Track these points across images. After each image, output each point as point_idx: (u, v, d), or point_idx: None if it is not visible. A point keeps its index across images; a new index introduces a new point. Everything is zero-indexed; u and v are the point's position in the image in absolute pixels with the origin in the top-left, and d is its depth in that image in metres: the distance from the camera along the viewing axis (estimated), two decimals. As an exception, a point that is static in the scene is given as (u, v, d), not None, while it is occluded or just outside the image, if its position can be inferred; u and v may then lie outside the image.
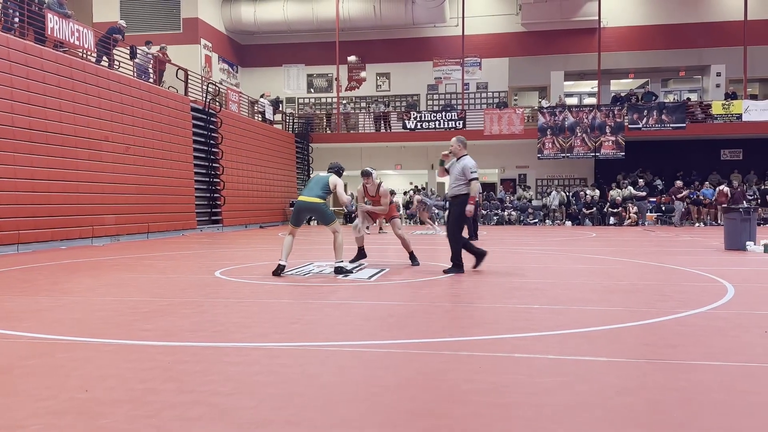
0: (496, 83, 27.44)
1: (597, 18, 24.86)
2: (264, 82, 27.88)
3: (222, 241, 14.47)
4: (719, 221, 20.47)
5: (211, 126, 18.51)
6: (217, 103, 19.32)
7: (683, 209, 21.75)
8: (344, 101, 27.36)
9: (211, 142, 18.49)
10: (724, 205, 18.75)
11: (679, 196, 21.77)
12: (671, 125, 23.11)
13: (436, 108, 26.97)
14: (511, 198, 24.79)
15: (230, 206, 19.18)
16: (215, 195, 18.64)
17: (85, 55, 14.04)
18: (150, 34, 22.26)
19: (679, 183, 22.36)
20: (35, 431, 2.38)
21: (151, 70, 17.07)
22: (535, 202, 24.62)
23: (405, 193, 26.72)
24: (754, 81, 26.02)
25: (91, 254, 10.45)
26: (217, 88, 20.20)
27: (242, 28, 27.41)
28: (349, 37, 27.07)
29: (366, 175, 8.63)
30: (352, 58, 28.21)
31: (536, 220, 23.54)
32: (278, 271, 7.16)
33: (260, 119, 23.36)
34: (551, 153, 23.70)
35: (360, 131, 26.44)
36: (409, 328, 4.32)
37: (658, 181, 24.27)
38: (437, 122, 24.61)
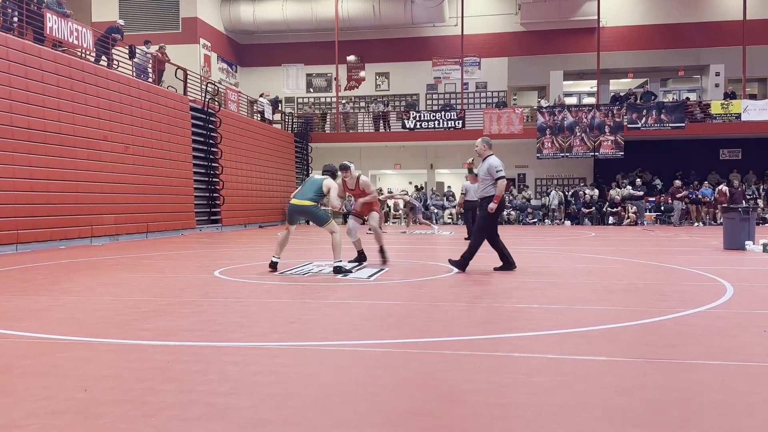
0: (495, 83, 27.44)
1: (596, 17, 24.87)
2: (263, 82, 27.86)
3: (221, 240, 14.46)
4: (718, 221, 20.49)
5: (210, 126, 18.50)
6: (216, 103, 19.31)
7: (682, 209, 21.77)
8: (343, 101, 27.36)
9: (210, 141, 18.48)
10: (723, 205, 18.76)
11: (678, 195, 21.77)
12: (670, 125, 23.11)
13: (435, 108, 26.97)
14: (511, 197, 24.80)
15: (229, 206, 19.17)
16: (214, 195, 18.63)
17: (84, 55, 14.03)
18: (149, 33, 22.24)
19: (677, 183, 22.36)
20: (33, 431, 2.38)
21: (150, 70, 17.06)
22: (534, 202, 24.63)
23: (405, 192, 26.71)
24: (753, 81, 26.03)
25: (90, 254, 10.44)
26: (216, 88, 20.19)
27: (241, 27, 27.39)
28: (348, 36, 27.06)
29: (344, 169, 8.42)
30: (351, 58, 28.21)
31: (535, 220, 23.55)
32: (271, 266, 7.45)
33: (259, 119, 23.35)
34: (550, 152, 23.70)
35: (359, 131, 26.44)
36: (408, 327, 4.32)
37: (657, 181, 24.28)
38: (436, 122, 24.60)
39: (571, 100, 27.83)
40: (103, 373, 3.16)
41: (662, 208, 22.44)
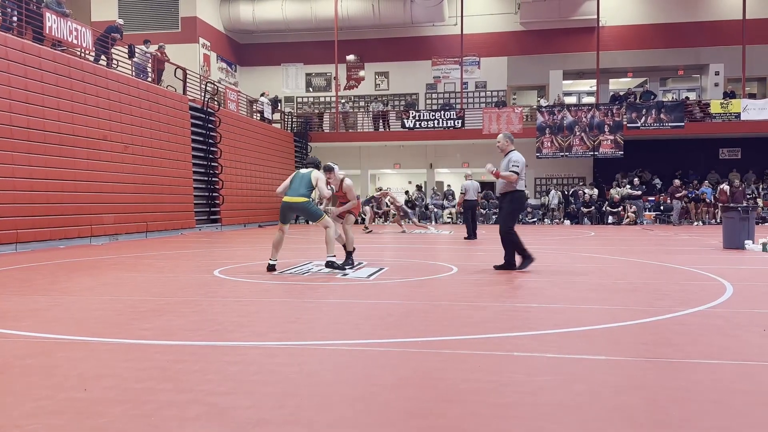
0: (494, 82, 27.43)
1: (595, 17, 24.86)
2: (262, 81, 27.86)
3: (220, 240, 14.46)
4: (717, 220, 20.49)
5: (209, 125, 18.50)
6: (216, 102, 19.30)
7: (681, 208, 21.78)
8: (343, 100, 27.35)
9: (210, 141, 18.48)
10: (723, 204, 18.76)
11: (678, 195, 21.79)
12: (670, 124, 23.12)
13: (434, 107, 26.96)
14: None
15: (229, 205, 19.17)
16: (214, 194, 18.63)
17: (83, 54, 14.02)
18: (148, 33, 22.21)
19: (677, 182, 22.38)
20: (33, 430, 2.38)
21: (149, 69, 17.05)
22: (533, 201, 24.63)
23: (407, 192, 26.70)
24: (753, 80, 26.04)
25: (90, 253, 10.44)
26: (215, 87, 20.18)
27: (241, 27, 27.38)
28: (347, 36, 27.05)
29: (328, 170, 8.19)
30: (350, 57, 28.20)
31: (535, 219, 23.55)
32: (268, 269, 7.43)
33: (259, 118, 23.35)
34: (550, 152, 23.71)
35: (359, 130, 26.44)
36: (407, 327, 4.31)
37: (657, 180, 24.28)
38: (436, 121, 24.59)
39: (571, 100, 27.83)
40: (103, 372, 3.16)
41: (661, 207, 22.45)
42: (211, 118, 18.60)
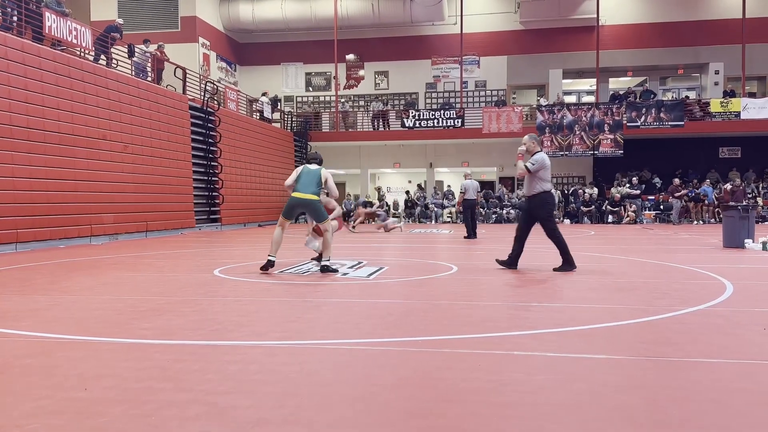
0: (494, 81, 27.43)
1: (595, 16, 24.85)
2: (262, 81, 27.85)
3: (220, 239, 14.46)
4: (717, 219, 20.49)
5: (209, 125, 18.49)
6: (216, 102, 19.30)
7: (681, 207, 21.79)
8: (342, 100, 27.34)
9: (210, 140, 18.48)
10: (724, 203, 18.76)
11: (677, 194, 21.79)
12: (669, 123, 23.11)
13: (434, 106, 26.96)
14: (510, 196, 24.80)
15: (229, 205, 19.16)
16: (214, 194, 18.63)
17: (83, 54, 14.02)
18: (148, 32, 22.20)
19: (676, 181, 22.37)
20: (32, 430, 2.37)
21: (149, 69, 17.04)
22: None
23: (407, 192, 26.69)
24: (753, 79, 26.03)
25: (90, 253, 10.44)
26: (215, 87, 20.18)
27: (240, 26, 27.37)
28: (347, 35, 27.04)
29: None
30: (350, 57, 28.19)
31: (535, 219, 23.50)
32: (267, 267, 7.13)
33: (258, 118, 23.34)
34: (550, 151, 23.68)
35: (358, 130, 26.43)
36: (407, 326, 4.31)
37: (657, 179, 24.28)
38: (436, 120, 24.59)
39: (571, 99, 27.82)
40: (103, 372, 3.16)
41: (661, 206, 22.46)
42: (210, 117, 18.59)
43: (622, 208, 22.21)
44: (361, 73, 28.43)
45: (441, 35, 27.29)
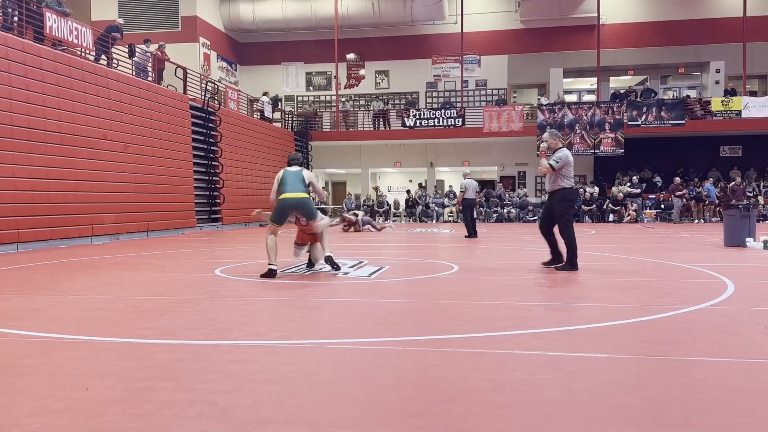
0: (495, 80, 27.42)
1: (596, 15, 24.84)
2: (263, 80, 27.86)
3: (221, 239, 14.46)
4: (720, 218, 20.47)
5: (210, 124, 18.50)
6: (216, 102, 19.30)
7: (682, 206, 21.77)
8: (343, 99, 27.34)
9: (210, 140, 18.48)
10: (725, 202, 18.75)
11: (678, 193, 21.77)
12: (670, 122, 23.10)
13: (435, 105, 26.96)
14: (511, 195, 24.81)
15: (230, 204, 19.17)
16: (215, 193, 18.64)
17: (83, 54, 14.02)
18: (148, 32, 22.21)
19: (677, 180, 22.36)
20: (33, 430, 2.38)
21: (149, 69, 17.05)
22: (534, 200, 24.62)
23: (408, 192, 26.68)
24: (753, 77, 26.01)
25: (91, 253, 10.44)
26: (215, 87, 20.19)
27: (241, 26, 27.38)
28: (347, 34, 27.04)
29: None
30: (351, 56, 28.19)
31: (536, 218, 23.53)
32: (270, 275, 6.78)
33: (259, 117, 23.34)
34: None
35: (359, 129, 26.43)
36: (408, 325, 4.32)
37: (658, 178, 24.27)
38: (436, 120, 24.59)
39: (571, 98, 27.82)
40: (104, 372, 3.16)
41: (662, 205, 22.45)
42: (211, 117, 18.60)
43: (623, 207, 22.21)
44: (362, 72, 28.43)
45: (441, 34, 27.28)
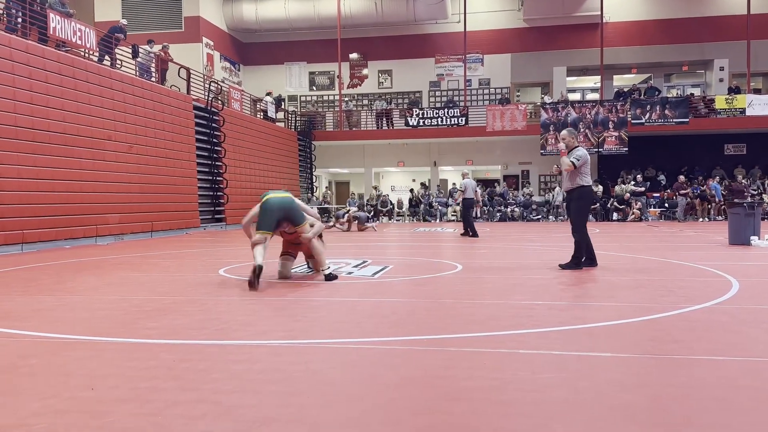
0: (498, 79, 27.39)
1: (599, 13, 24.79)
2: (266, 80, 27.88)
3: (225, 239, 14.48)
4: (725, 216, 20.41)
5: (213, 124, 18.52)
6: (220, 102, 19.33)
7: (686, 204, 21.71)
8: (346, 99, 27.35)
9: (214, 140, 18.51)
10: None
11: (683, 191, 21.72)
12: (674, 120, 23.04)
13: (438, 105, 26.94)
14: (514, 194, 24.78)
15: (233, 204, 19.19)
16: (218, 193, 18.66)
17: (87, 55, 14.06)
18: (152, 33, 22.26)
19: (682, 178, 22.30)
20: (39, 430, 2.39)
21: (153, 69, 17.08)
22: (537, 199, 24.59)
23: (411, 191, 26.66)
24: (758, 75, 25.93)
25: (95, 253, 10.47)
26: (219, 87, 20.21)
27: (244, 26, 27.40)
28: (350, 34, 27.04)
29: None
30: (353, 56, 28.19)
31: (539, 217, 23.51)
32: (253, 279, 5.85)
33: (262, 117, 23.36)
34: (554, 149, 23.65)
35: (362, 128, 26.44)
36: (412, 325, 4.32)
37: (662, 177, 24.21)
38: (439, 119, 24.58)
39: (575, 96, 27.77)
40: (109, 371, 3.17)
41: (666, 204, 22.39)
42: (215, 117, 18.62)
43: (627, 205, 22.16)
44: (365, 72, 28.43)
45: (444, 33, 27.27)
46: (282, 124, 25.32)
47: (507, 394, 2.77)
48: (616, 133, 23.19)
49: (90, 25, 14.68)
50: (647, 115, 23.22)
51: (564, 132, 7.78)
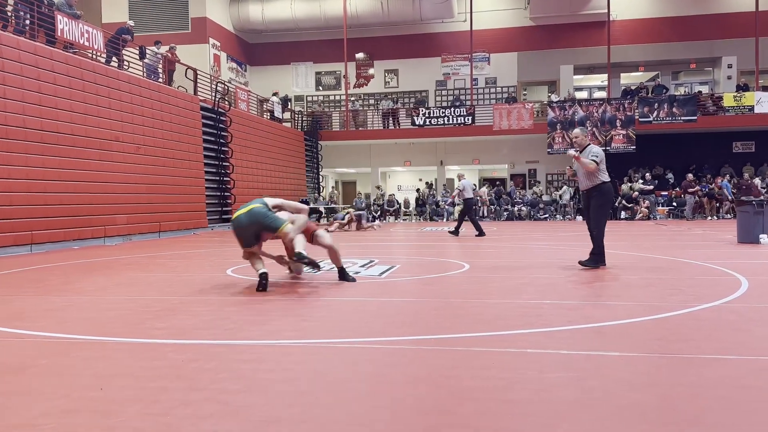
0: (505, 78, 27.33)
1: (606, 11, 24.70)
2: (272, 81, 27.93)
3: (233, 239, 14.47)
4: (734, 215, 20.30)
5: (220, 125, 18.58)
6: (227, 102, 19.38)
7: (694, 202, 21.60)
8: (353, 98, 27.36)
9: (221, 141, 18.56)
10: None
11: (691, 189, 21.61)
12: (682, 118, 22.92)
13: (444, 104, 26.92)
14: (522, 193, 24.72)
15: (240, 204, 19.24)
16: (226, 194, 18.71)
17: (94, 56, 14.12)
18: (159, 34, 22.36)
19: (690, 176, 22.18)
20: (48, 430, 2.40)
21: (160, 70, 17.14)
22: (545, 197, 24.53)
23: (417, 190, 26.65)
24: (766, 72, 25.74)
25: (104, 254, 10.52)
26: (226, 87, 20.26)
27: (250, 26, 27.46)
28: (356, 34, 27.05)
29: None
30: (360, 55, 28.20)
31: (546, 215, 23.45)
32: (261, 284, 5.83)
33: (269, 117, 23.41)
34: (561, 147, 23.59)
35: (369, 128, 26.44)
36: (419, 324, 4.32)
37: (670, 175, 24.10)
38: (446, 118, 24.55)
39: (582, 95, 27.67)
40: (117, 372, 3.18)
41: (674, 202, 22.28)
42: (221, 117, 18.67)
43: (636, 204, 22.07)
44: (371, 71, 28.44)
45: (451, 32, 27.23)
46: (288, 124, 25.36)
47: (515, 393, 2.76)
48: (623, 132, 23.10)
49: (97, 27, 14.74)
50: (655, 113, 23.12)
51: (576, 130, 7.78)
